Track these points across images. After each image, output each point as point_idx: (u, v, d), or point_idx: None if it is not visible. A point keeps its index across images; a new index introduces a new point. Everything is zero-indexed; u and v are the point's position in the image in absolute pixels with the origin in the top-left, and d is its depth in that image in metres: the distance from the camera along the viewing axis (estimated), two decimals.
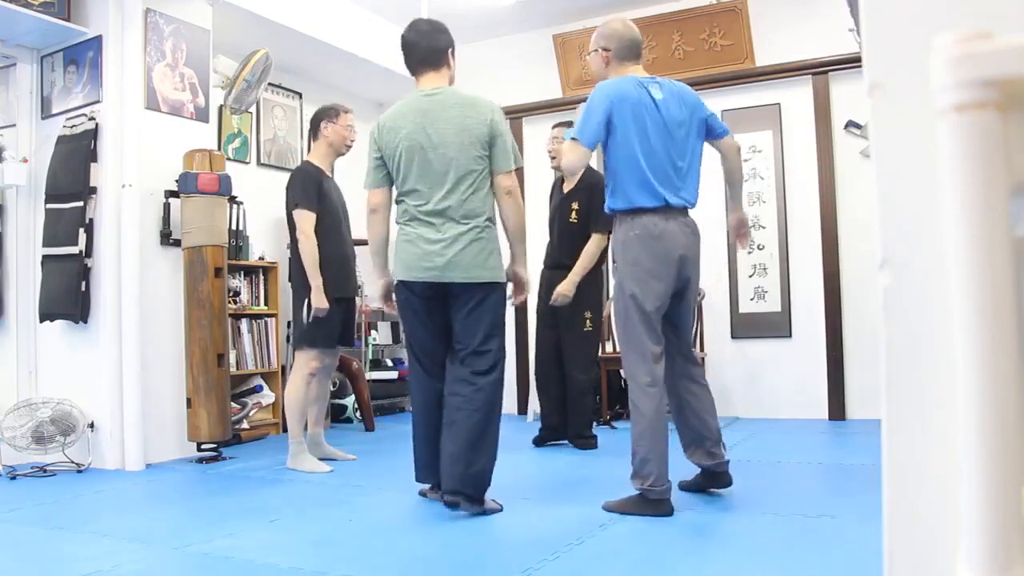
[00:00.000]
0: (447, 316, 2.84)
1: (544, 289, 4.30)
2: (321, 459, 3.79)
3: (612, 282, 2.84)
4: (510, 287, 2.98)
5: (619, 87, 2.73)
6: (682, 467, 2.94)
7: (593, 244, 4.12)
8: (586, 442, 4.18)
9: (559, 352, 4.25)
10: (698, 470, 2.97)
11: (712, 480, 2.92)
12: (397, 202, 2.89)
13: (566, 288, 4.08)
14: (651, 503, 2.67)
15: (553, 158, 4.26)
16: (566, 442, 4.27)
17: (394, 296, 2.95)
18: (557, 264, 4.26)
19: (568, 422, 4.22)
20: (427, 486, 3.03)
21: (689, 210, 2.84)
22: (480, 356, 2.78)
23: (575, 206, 4.20)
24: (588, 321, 4.17)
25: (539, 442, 4.30)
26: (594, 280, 4.19)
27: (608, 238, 3.91)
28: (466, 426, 2.71)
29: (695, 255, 2.85)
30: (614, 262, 2.81)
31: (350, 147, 3.90)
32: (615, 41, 2.83)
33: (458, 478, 2.70)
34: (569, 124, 4.17)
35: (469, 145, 2.75)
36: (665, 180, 2.71)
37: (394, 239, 2.93)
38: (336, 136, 3.82)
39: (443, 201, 2.75)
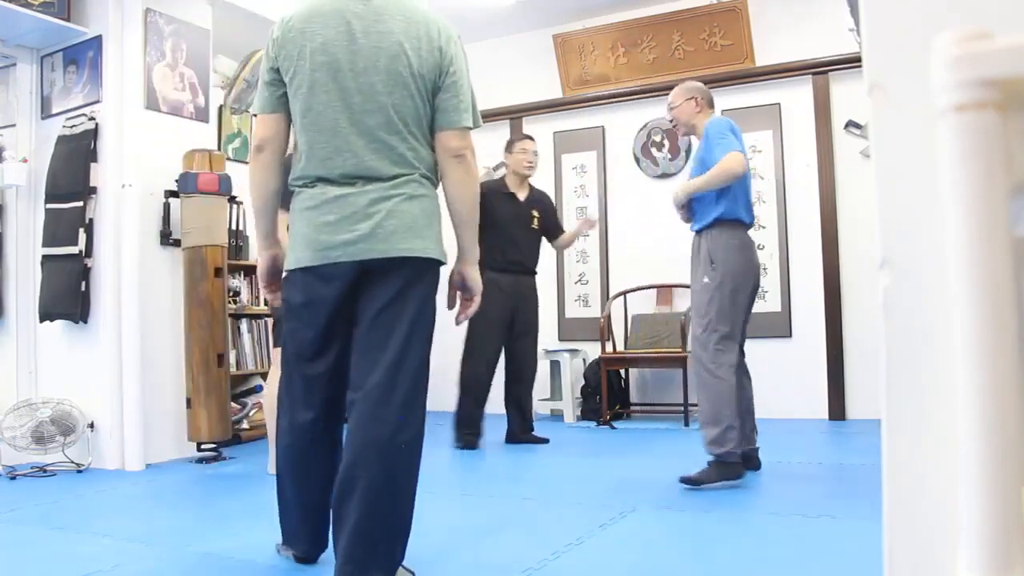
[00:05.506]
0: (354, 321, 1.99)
1: (508, 294, 4.29)
2: None
3: (706, 279, 3.21)
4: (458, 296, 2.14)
5: (733, 122, 3.35)
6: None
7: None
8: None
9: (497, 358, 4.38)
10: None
11: (747, 462, 3.23)
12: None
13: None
14: (729, 467, 3.06)
15: (530, 165, 4.51)
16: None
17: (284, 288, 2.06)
18: (526, 269, 4.46)
19: (526, 418, 4.47)
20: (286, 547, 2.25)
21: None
22: (390, 390, 1.87)
23: (535, 214, 4.47)
24: None
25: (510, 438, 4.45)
26: None
27: None
28: (372, 486, 1.87)
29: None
30: (712, 262, 3.19)
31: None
32: (702, 93, 3.49)
33: (359, 562, 1.88)
34: (529, 138, 4.66)
35: (408, 79, 1.90)
36: (750, 202, 3.33)
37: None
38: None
39: (366, 158, 1.90)
